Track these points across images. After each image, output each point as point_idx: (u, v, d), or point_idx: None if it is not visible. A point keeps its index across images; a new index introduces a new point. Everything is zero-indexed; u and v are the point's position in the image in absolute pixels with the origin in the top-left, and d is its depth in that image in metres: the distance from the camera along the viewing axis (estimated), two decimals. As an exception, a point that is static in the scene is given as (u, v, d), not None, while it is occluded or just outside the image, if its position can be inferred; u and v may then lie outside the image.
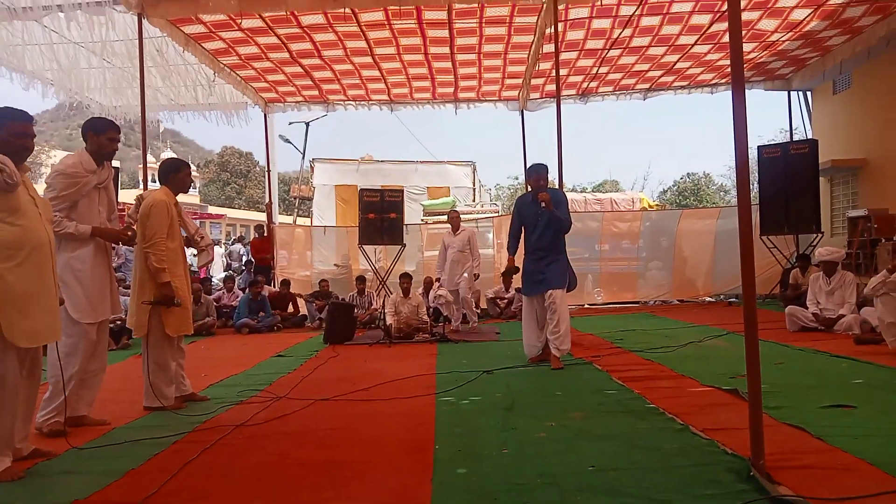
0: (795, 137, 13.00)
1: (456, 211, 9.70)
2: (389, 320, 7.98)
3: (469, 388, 4.74)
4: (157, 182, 4.62)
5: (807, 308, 7.03)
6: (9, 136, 3.05)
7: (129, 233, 4.13)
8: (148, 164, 8.60)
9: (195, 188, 44.38)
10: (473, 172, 19.35)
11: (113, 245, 4.19)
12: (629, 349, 6.18)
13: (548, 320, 5.54)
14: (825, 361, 5.22)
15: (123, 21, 8.05)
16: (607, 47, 9.48)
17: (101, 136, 3.97)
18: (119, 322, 7.28)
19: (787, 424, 3.32)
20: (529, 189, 5.86)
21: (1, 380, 2.94)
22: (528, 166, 5.87)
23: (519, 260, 5.84)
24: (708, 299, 11.44)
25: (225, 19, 7.97)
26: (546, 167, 5.77)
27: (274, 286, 11.17)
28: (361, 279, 10.05)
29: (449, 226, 9.02)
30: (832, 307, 6.86)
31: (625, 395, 4.27)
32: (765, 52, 9.99)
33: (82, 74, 10.00)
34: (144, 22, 7.54)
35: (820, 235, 9.72)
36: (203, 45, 8.86)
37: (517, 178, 34.60)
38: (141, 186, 9.59)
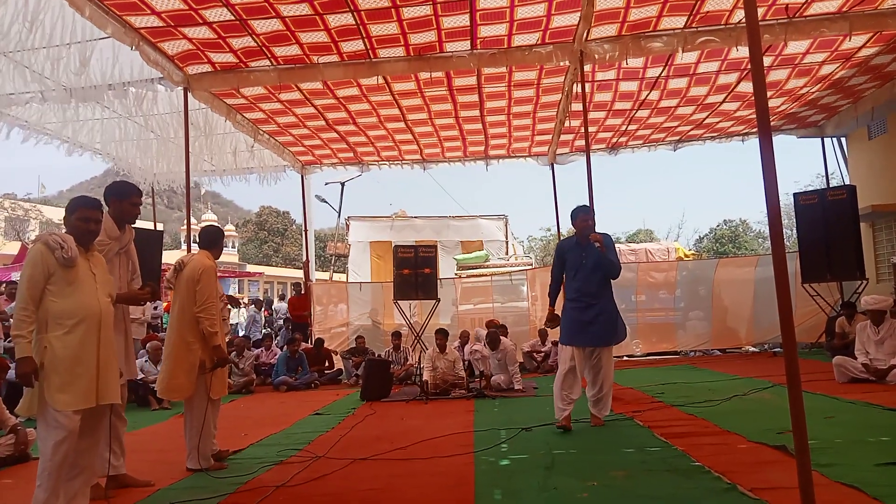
0: (832, 182, 12.82)
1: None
2: (426, 376, 7.96)
3: (508, 446, 4.68)
4: (199, 246, 4.72)
5: (855, 358, 6.79)
6: (76, 220, 3.39)
7: (147, 289, 4.01)
8: (191, 228, 8.93)
9: (234, 248, 45.68)
10: (506, 225, 19.45)
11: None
12: (671, 403, 6.02)
13: (590, 380, 5.25)
14: (879, 415, 5.01)
15: (167, 94, 8.56)
16: (635, 108, 9.62)
17: (124, 201, 4.00)
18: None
19: (842, 483, 3.20)
20: (574, 232, 5.54)
21: (55, 445, 3.08)
22: (573, 208, 5.53)
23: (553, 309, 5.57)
24: (751, 349, 11.13)
25: (264, 92, 8.38)
26: (592, 209, 5.54)
27: (311, 343, 11.29)
28: (397, 335, 10.09)
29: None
30: (883, 357, 6.61)
31: (668, 452, 4.17)
32: (795, 104, 10.03)
33: (129, 144, 10.54)
34: (189, 94, 7.96)
35: (865, 282, 9.45)
36: (244, 114, 9.29)
37: (549, 230, 34.66)
38: (184, 247, 9.88)
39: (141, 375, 7.34)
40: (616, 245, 5.60)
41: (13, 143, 9.30)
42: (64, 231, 3.43)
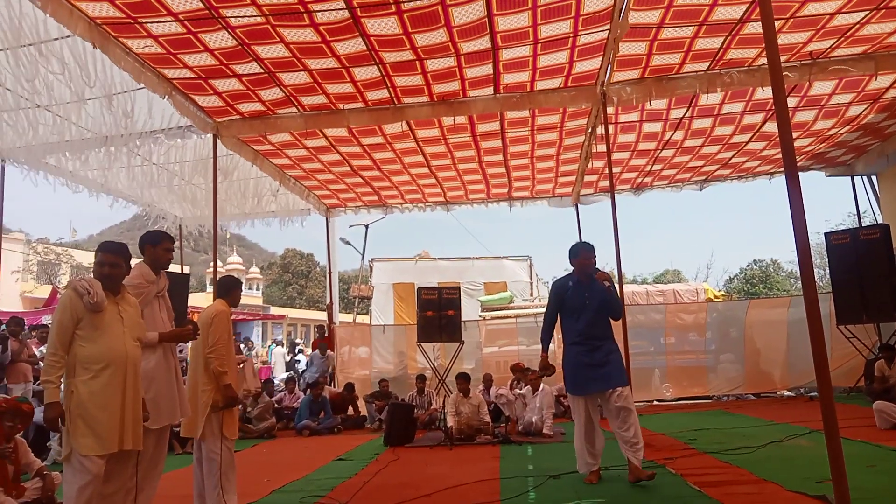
0: (864, 221, 12.58)
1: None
2: (450, 421, 7.84)
3: (535, 494, 4.56)
4: (216, 295, 4.83)
5: (896, 403, 6.54)
6: (95, 266, 3.54)
7: (189, 326, 4.23)
8: (217, 271, 9.05)
9: (258, 290, 46.14)
10: (530, 266, 19.35)
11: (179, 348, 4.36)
12: (704, 450, 5.85)
13: (619, 425, 4.82)
14: (925, 464, 4.79)
15: (195, 142, 8.80)
16: (660, 148, 9.61)
17: (157, 247, 4.18)
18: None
19: (888, 538, 3.04)
20: (573, 270, 5.22)
21: (79, 490, 3.08)
22: (573, 245, 5.23)
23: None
24: (787, 393, 10.79)
25: (291, 139, 8.58)
26: (594, 247, 5.23)
27: (334, 386, 11.24)
28: (422, 378, 10.00)
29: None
30: (926, 402, 6.36)
31: (702, 501, 4.03)
32: (822, 145, 9.95)
33: (157, 189, 10.80)
34: (218, 140, 8.16)
35: (903, 323, 9.17)
36: (270, 160, 9.50)
37: (575, 271, 34.34)
38: (210, 289, 9.98)
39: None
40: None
41: (46, 188, 9.59)
42: (91, 276, 3.51)
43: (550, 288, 5.46)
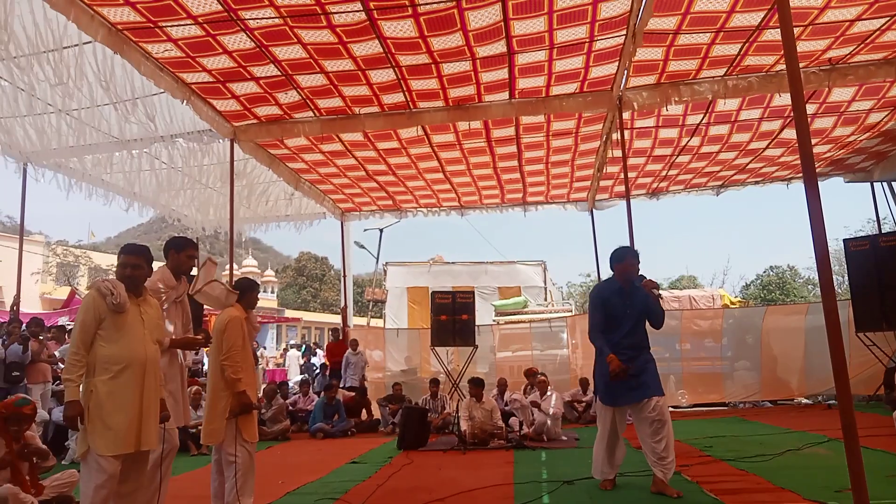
0: (884, 228, 12.40)
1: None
2: (463, 425, 7.83)
3: (549, 499, 4.53)
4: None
5: (918, 412, 6.42)
6: (118, 267, 3.58)
7: (202, 334, 4.28)
8: (233, 274, 9.12)
9: (273, 293, 46.41)
10: (544, 271, 19.32)
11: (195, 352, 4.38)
12: (720, 458, 5.77)
13: (648, 436, 4.56)
14: (946, 474, 4.70)
15: (213, 144, 8.92)
16: (676, 153, 9.55)
17: (181, 253, 4.27)
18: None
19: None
20: (614, 276, 4.98)
21: (95, 489, 3.12)
22: (617, 249, 4.99)
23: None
24: (804, 401, 10.66)
25: (307, 143, 8.64)
26: (638, 252, 5.00)
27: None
28: (435, 382, 9.99)
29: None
30: (948, 412, 6.24)
31: (718, 510, 3.98)
32: (841, 151, 9.85)
33: (174, 192, 10.92)
34: (235, 145, 8.24)
35: (924, 332, 9.01)
36: (287, 164, 9.58)
37: (589, 276, 34.31)
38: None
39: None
40: (659, 291, 5.22)
41: (65, 191, 9.77)
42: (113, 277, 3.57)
43: (591, 294, 5.24)
